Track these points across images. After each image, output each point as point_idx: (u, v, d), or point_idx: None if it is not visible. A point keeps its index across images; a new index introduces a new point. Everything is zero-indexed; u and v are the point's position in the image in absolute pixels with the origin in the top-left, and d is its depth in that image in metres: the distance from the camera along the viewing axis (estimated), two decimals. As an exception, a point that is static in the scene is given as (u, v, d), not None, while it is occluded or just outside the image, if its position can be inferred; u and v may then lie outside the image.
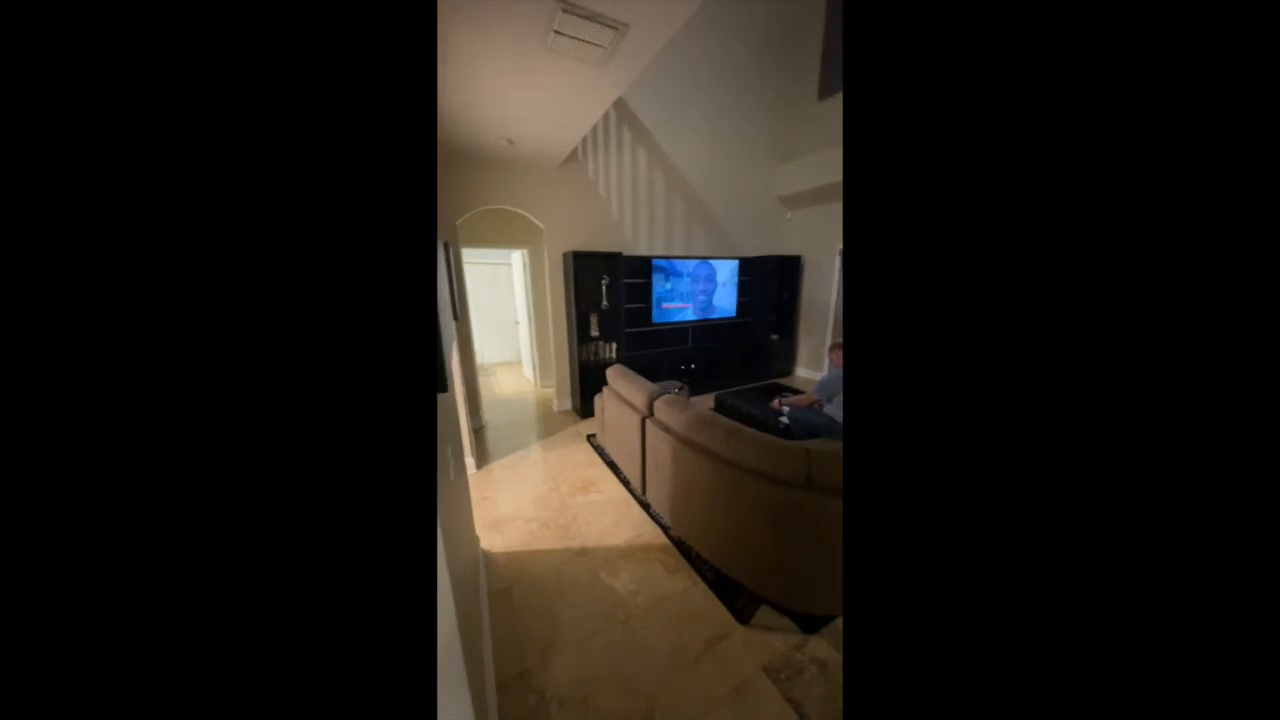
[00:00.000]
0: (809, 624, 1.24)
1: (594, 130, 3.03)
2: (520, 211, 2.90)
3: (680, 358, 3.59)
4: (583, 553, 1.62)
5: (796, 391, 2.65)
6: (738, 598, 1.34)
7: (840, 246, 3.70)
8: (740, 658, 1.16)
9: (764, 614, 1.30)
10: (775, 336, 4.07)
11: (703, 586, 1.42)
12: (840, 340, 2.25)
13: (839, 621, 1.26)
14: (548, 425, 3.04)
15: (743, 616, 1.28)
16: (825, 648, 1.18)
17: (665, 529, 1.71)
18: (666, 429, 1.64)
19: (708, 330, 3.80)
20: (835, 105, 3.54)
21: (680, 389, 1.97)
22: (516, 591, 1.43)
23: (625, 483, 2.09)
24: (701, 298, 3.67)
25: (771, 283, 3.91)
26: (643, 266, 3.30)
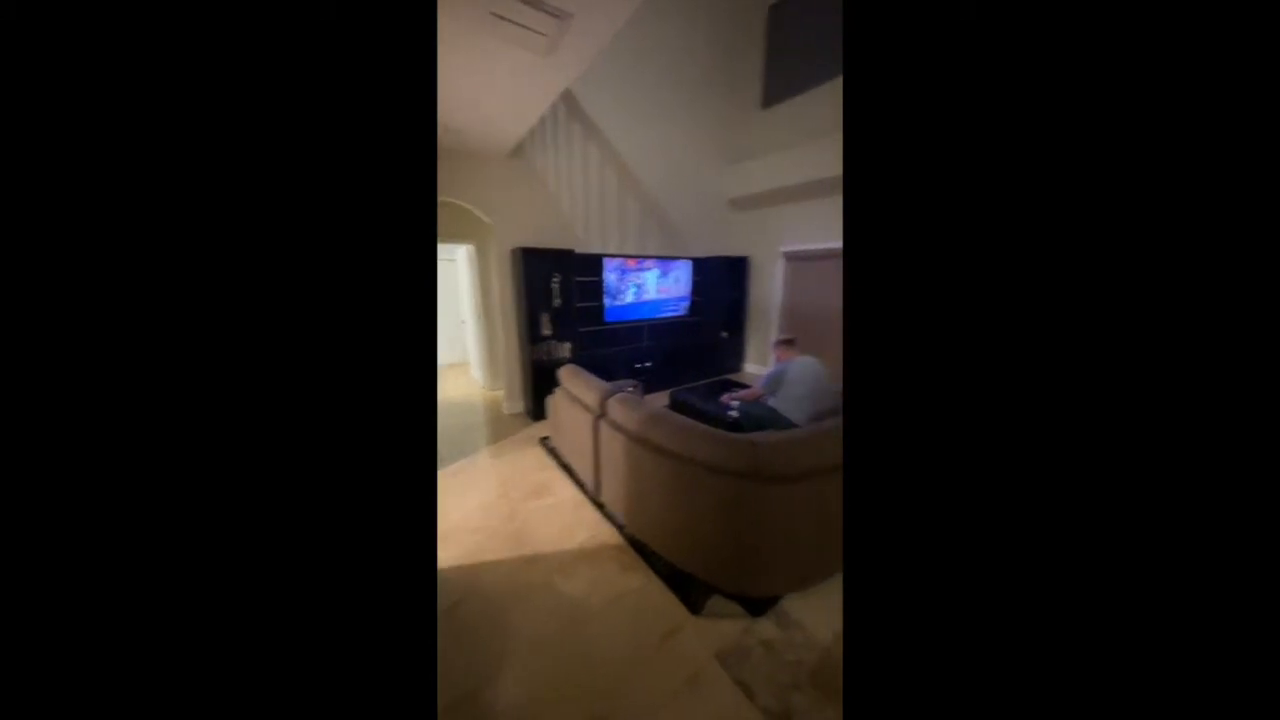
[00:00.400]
0: (756, 607, 1.30)
1: (543, 125, 2.94)
2: (465, 205, 2.74)
3: (635, 356, 3.60)
4: (535, 560, 1.56)
5: (744, 386, 2.77)
6: (690, 589, 1.37)
7: (783, 249, 3.93)
8: (693, 647, 1.18)
9: (714, 602, 1.34)
10: (725, 334, 4.22)
11: (658, 582, 1.43)
12: (783, 337, 2.38)
13: (783, 602, 1.33)
14: (498, 429, 2.91)
15: (695, 607, 1.31)
16: (771, 628, 1.25)
17: (620, 528, 1.70)
18: (619, 428, 1.63)
19: (661, 328, 3.85)
20: (779, 113, 3.74)
21: (634, 387, 1.97)
22: (464, 607, 1.35)
23: (580, 484, 2.06)
24: (655, 296, 3.71)
25: (722, 282, 4.04)
26: (595, 264, 3.26)
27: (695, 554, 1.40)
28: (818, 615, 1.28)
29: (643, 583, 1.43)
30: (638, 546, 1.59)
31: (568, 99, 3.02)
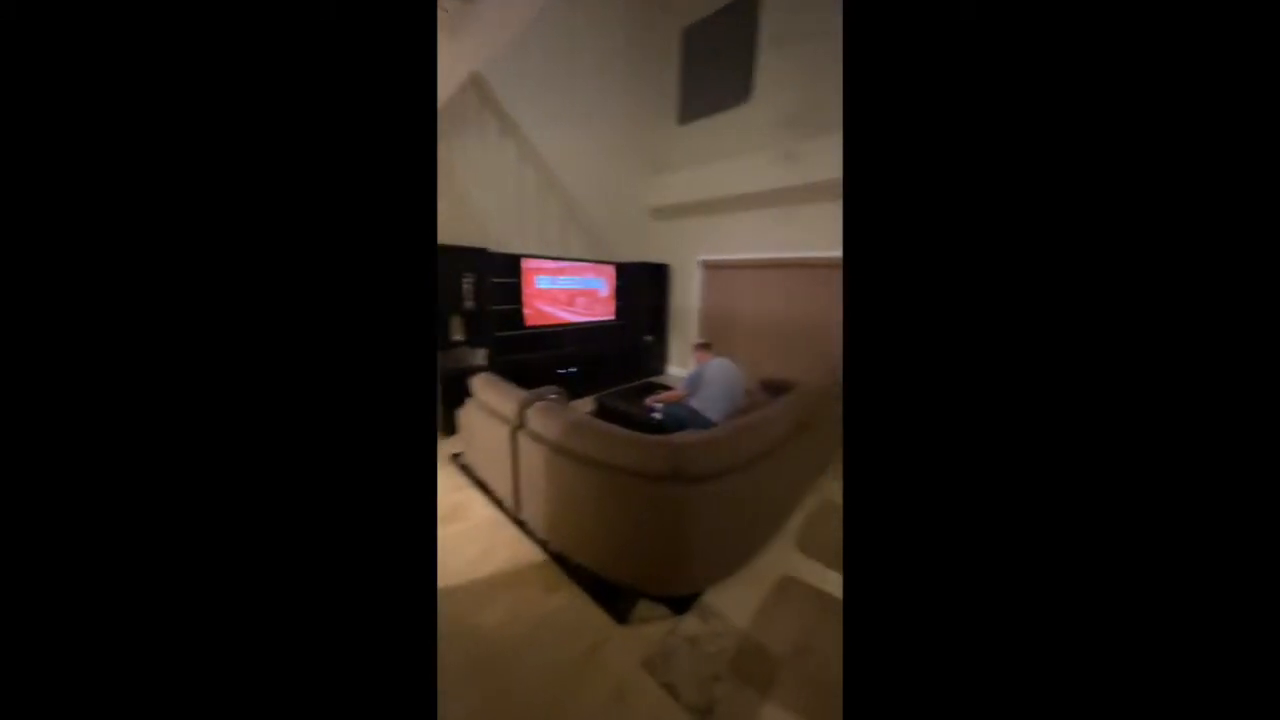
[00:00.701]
0: (680, 605, 1.33)
1: (450, 113, 2.69)
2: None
3: (559, 362, 3.48)
4: (447, 594, 1.39)
5: (667, 388, 2.86)
6: (617, 599, 1.35)
7: (700, 258, 4.17)
8: (619, 659, 1.16)
9: (641, 608, 1.33)
10: (649, 338, 4.33)
11: (583, 597, 1.38)
12: (701, 340, 2.52)
13: (705, 597, 1.38)
14: (400, 448, 2.56)
15: (622, 616, 1.29)
16: (695, 623, 1.28)
17: (543, 544, 1.61)
18: (539, 438, 1.55)
19: (586, 333, 3.79)
20: (694, 131, 3.97)
21: (557, 394, 1.89)
22: (349, 664, 1.14)
23: (497, 503, 1.90)
24: (579, 300, 3.64)
25: (644, 288, 4.14)
26: (513, 265, 3.08)
27: (622, 561, 1.38)
28: (735, 602, 1.36)
29: (567, 600, 1.37)
30: (562, 562, 1.52)
31: (480, 89, 2.82)
